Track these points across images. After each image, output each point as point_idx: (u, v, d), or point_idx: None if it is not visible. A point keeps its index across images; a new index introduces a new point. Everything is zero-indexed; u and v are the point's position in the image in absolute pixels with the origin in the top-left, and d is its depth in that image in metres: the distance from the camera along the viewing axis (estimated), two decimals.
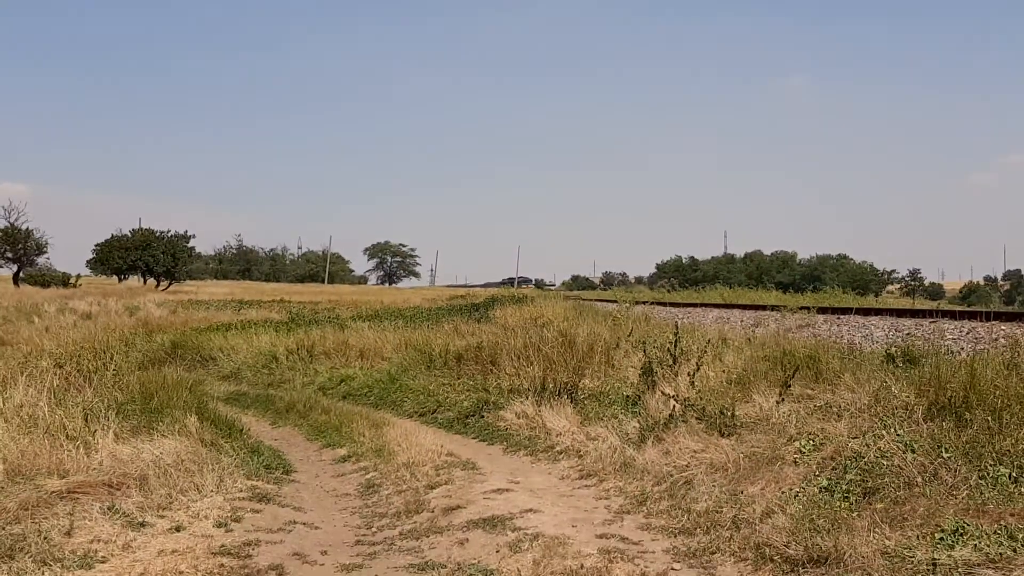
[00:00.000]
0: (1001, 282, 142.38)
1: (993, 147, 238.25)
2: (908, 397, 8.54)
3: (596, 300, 44.67)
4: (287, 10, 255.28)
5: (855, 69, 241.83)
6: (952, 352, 11.39)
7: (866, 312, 20.95)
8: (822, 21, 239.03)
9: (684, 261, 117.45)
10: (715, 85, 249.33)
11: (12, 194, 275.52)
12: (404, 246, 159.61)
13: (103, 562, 6.27)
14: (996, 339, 12.67)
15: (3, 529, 6.81)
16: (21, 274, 75.93)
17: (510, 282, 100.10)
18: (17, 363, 12.16)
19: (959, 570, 5.08)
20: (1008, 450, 6.80)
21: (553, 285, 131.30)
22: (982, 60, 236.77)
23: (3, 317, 36.44)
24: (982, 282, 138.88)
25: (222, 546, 6.88)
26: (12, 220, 76.21)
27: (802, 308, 22.91)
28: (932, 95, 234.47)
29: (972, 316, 16.94)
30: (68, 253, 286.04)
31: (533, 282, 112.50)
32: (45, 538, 6.62)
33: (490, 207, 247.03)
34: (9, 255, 77.07)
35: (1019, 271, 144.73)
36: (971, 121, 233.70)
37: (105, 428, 9.63)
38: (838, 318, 19.91)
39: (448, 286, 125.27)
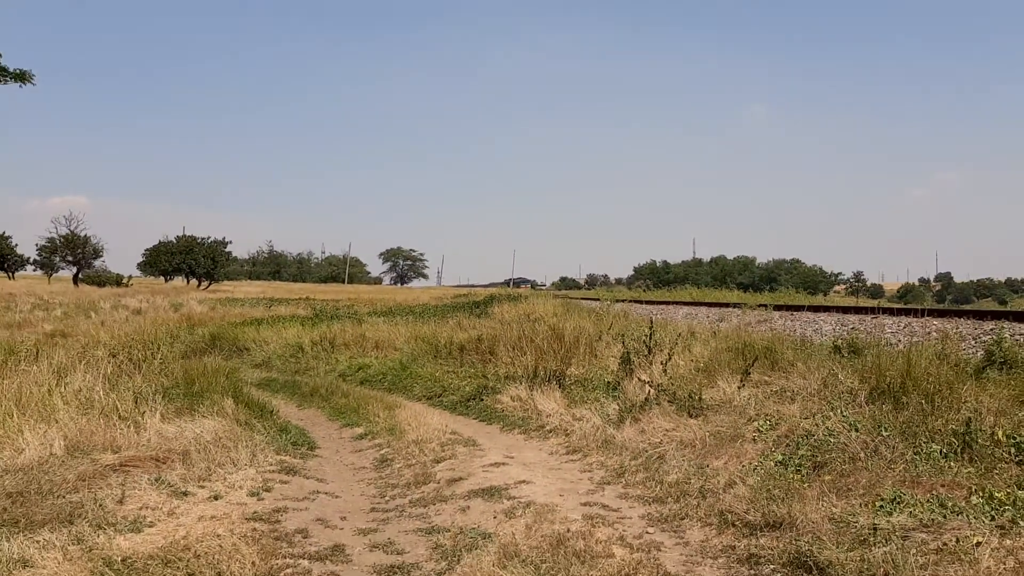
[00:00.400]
0: (933, 283, 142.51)
1: (927, 166, 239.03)
2: (852, 383, 8.55)
3: (581, 298, 44.59)
4: (315, 47, 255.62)
5: (808, 99, 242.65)
6: (891, 344, 11.41)
7: (816, 309, 20.94)
8: (779, 58, 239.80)
9: (658, 264, 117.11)
10: (687, 112, 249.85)
11: (73, 205, 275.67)
12: (414, 251, 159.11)
13: (151, 526, 6.25)
14: (929, 333, 12.67)
15: (63, 497, 6.81)
16: (80, 275, 75.82)
17: (509, 283, 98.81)
18: (76, 353, 12.12)
19: (896, 534, 5.08)
20: (939, 429, 6.81)
21: (544, 285, 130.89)
22: (921, 91, 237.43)
23: (64, 313, 36.39)
24: (917, 283, 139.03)
25: (254, 512, 6.86)
26: (72, 228, 76.30)
27: (760, 305, 22.91)
28: (875, 120, 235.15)
29: (908, 313, 16.96)
30: (121, 256, 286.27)
31: (531, 282, 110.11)
32: (100, 505, 6.62)
33: (489, 216, 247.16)
34: (70, 258, 77.09)
35: (949, 273, 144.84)
36: (909, 143, 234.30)
37: (152, 409, 9.62)
38: (792, 314, 19.90)
39: (458, 285, 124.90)
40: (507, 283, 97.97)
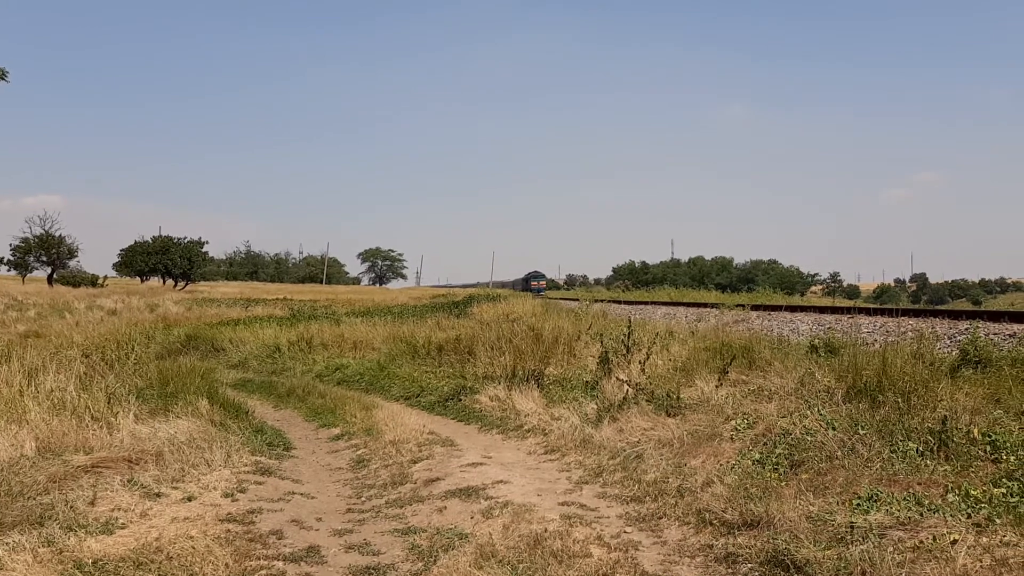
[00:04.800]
0: (909, 283, 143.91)
1: (903, 168, 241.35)
2: (829, 382, 8.58)
3: (560, 299, 44.67)
4: (293, 46, 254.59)
5: (786, 100, 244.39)
6: (867, 343, 11.45)
7: (793, 309, 21.05)
8: (758, 59, 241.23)
9: (637, 265, 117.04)
10: (665, 113, 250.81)
11: (47, 205, 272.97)
12: (393, 251, 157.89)
13: (123, 528, 6.16)
14: (904, 332, 12.74)
15: (34, 499, 6.70)
16: (54, 275, 74.96)
17: (525, 280, 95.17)
18: (49, 354, 11.96)
19: (873, 532, 5.08)
20: (915, 427, 6.83)
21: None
22: (900, 92, 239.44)
23: (38, 313, 35.99)
24: (893, 284, 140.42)
25: (229, 514, 6.79)
26: (47, 228, 75.29)
27: (738, 306, 23.01)
28: (852, 122, 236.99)
29: (884, 313, 17.08)
30: (96, 257, 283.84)
31: (546, 278, 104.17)
32: (71, 507, 6.52)
33: (468, 217, 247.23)
34: (44, 258, 76.10)
35: (924, 274, 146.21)
36: (884, 145, 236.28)
37: (126, 410, 9.51)
38: (769, 314, 19.98)
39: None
40: (526, 280, 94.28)
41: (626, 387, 10.21)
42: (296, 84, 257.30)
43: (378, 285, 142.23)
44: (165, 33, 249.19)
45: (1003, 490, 5.46)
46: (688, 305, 27.88)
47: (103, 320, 32.74)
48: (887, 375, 7.96)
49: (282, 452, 9.99)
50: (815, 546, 5.05)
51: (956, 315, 14.99)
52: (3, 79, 24.23)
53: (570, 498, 7.21)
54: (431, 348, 18.29)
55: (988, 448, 6.27)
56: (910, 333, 12.26)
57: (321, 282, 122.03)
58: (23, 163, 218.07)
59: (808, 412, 7.70)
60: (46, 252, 75.31)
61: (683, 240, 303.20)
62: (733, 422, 8.25)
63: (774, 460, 6.99)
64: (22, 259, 77.33)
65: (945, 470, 6.08)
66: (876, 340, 12.27)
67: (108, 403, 9.64)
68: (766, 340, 12.40)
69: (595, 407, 10.37)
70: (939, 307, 32.68)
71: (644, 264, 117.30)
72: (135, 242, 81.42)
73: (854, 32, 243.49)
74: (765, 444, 7.48)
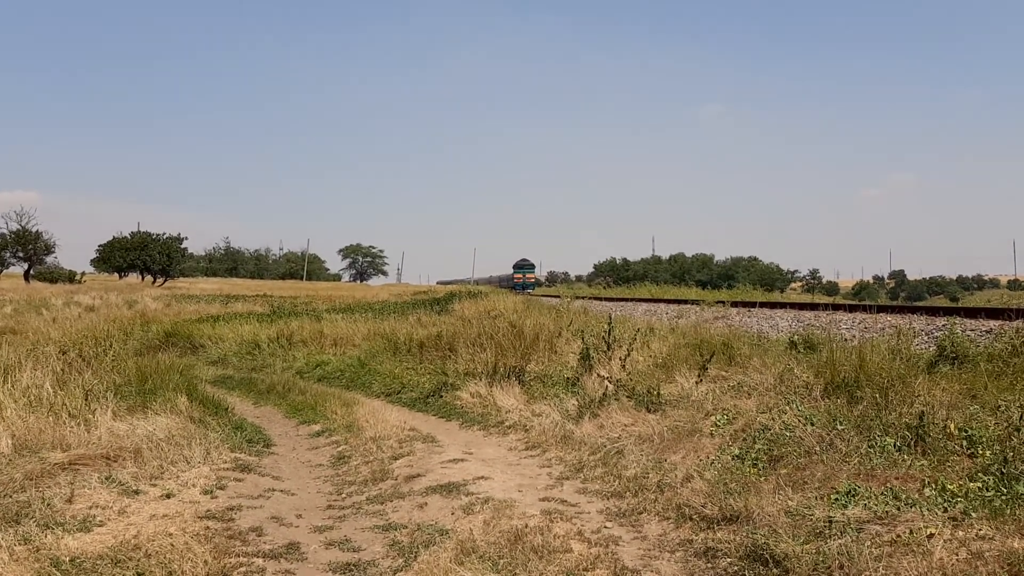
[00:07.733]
0: (887, 280, 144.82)
1: (882, 166, 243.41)
2: (808, 378, 8.63)
3: (542, 295, 44.69)
4: (276, 45, 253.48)
5: (764, 98, 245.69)
6: (845, 339, 11.53)
7: (772, 305, 21.17)
8: (736, 58, 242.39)
9: (618, 262, 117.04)
10: (644, 111, 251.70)
11: (24, 200, 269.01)
12: (374, 248, 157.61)
13: (101, 526, 6.12)
14: (882, 329, 12.84)
15: (10, 497, 6.64)
16: (31, 271, 74.26)
17: (512, 272, 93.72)
18: (26, 350, 11.85)
19: (851, 526, 5.12)
20: (893, 423, 6.88)
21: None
22: (878, 92, 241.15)
23: (15, 310, 35.58)
24: (871, 280, 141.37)
25: (208, 511, 6.75)
26: (23, 223, 74.54)
27: (718, 302, 23.11)
28: (831, 120, 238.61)
29: (862, 309, 17.19)
30: (74, 253, 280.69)
31: (534, 268, 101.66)
32: (48, 505, 6.47)
33: (450, 214, 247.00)
34: (20, 254, 75.33)
35: (902, 271, 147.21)
36: (865, 143, 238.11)
37: (104, 407, 9.43)
38: (749, 310, 20.08)
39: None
40: (517, 268, 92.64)
41: (607, 383, 10.24)
42: (278, 82, 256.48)
43: (359, 282, 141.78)
44: (144, 28, 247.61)
45: (979, 484, 5.51)
46: (669, 302, 27.99)
47: (81, 316, 32.40)
48: (865, 371, 8.02)
49: (262, 449, 9.94)
50: (794, 540, 5.08)
51: (933, 311, 15.13)
52: None
53: (551, 494, 7.22)
54: (412, 345, 18.22)
55: (964, 443, 6.33)
56: (888, 329, 12.36)
57: (301, 279, 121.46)
58: None
59: (787, 408, 7.74)
60: (22, 248, 74.53)
61: (664, 237, 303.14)
62: (713, 418, 8.29)
63: (753, 455, 7.03)
64: None
65: (922, 465, 6.13)
66: (854, 336, 12.36)
67: (85, 400, 9.56)
68: (746, 336, 12.48)
69: (576, 403, 10.39)
70: (917, 303, 32.96)
71: (625, 261, 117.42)
72: (113, 238, 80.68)
73: (829, 33, 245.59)
74: (744, 440, 7.53)
